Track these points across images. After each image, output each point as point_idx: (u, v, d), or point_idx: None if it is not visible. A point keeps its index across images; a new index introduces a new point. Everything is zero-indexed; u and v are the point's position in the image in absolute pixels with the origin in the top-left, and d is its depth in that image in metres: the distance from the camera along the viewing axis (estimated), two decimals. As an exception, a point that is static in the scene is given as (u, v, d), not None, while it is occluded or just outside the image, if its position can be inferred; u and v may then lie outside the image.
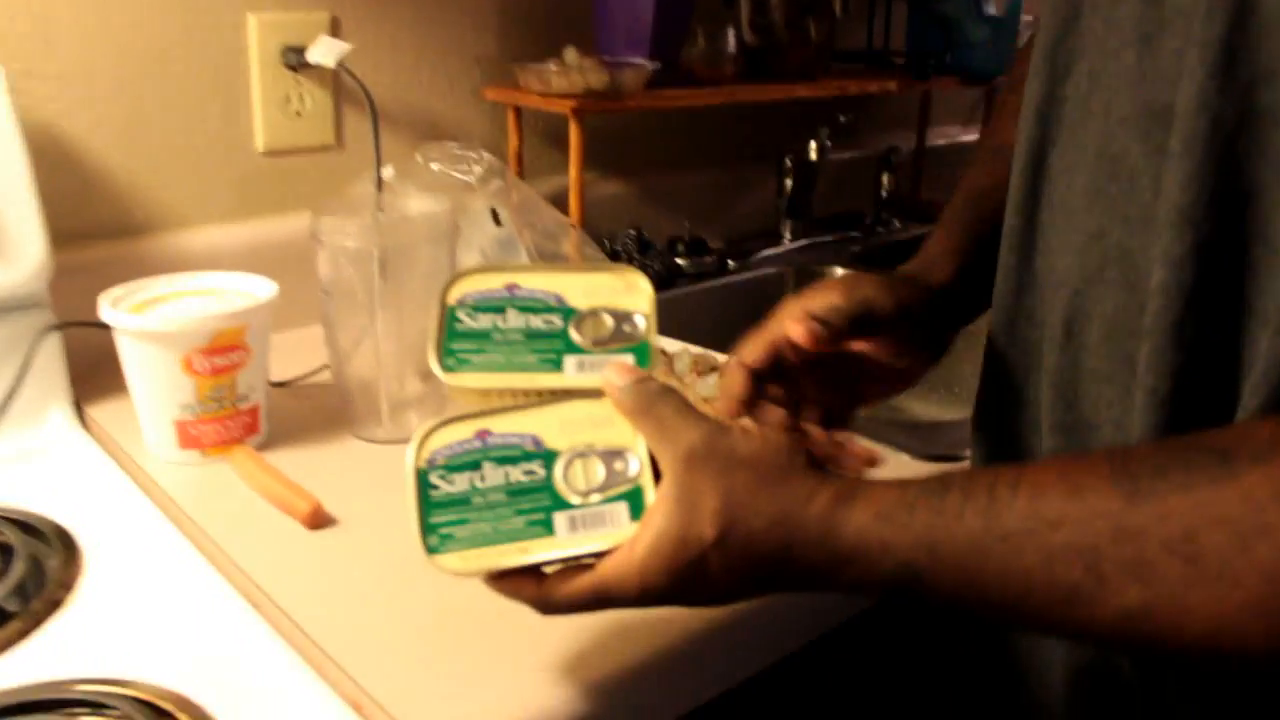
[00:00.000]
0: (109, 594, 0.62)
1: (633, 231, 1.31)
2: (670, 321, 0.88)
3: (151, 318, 0.75)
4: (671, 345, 1.03)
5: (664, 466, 0.45)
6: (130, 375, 0.78)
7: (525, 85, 1.16)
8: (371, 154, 0.93)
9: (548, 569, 0.47)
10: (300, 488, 0.71)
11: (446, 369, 0.50)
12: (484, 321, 0.52)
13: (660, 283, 1.24)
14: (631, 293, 0.53)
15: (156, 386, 0.77)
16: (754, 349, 0.56)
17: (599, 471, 0.46)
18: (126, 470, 0.78)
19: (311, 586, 0.64)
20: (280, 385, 0.93)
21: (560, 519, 0.45)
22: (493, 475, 0.46)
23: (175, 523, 0.71)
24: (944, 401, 1.27)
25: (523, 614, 0.48)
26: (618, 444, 0.47)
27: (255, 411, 0.80)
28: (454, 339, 0.51)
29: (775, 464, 0.43)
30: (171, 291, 0.82)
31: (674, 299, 1.27)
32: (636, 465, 0.46)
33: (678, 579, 0.43)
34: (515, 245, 1.07)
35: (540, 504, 0.46)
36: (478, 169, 1.03)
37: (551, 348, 0.51)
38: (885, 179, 1.63)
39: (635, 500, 0.46)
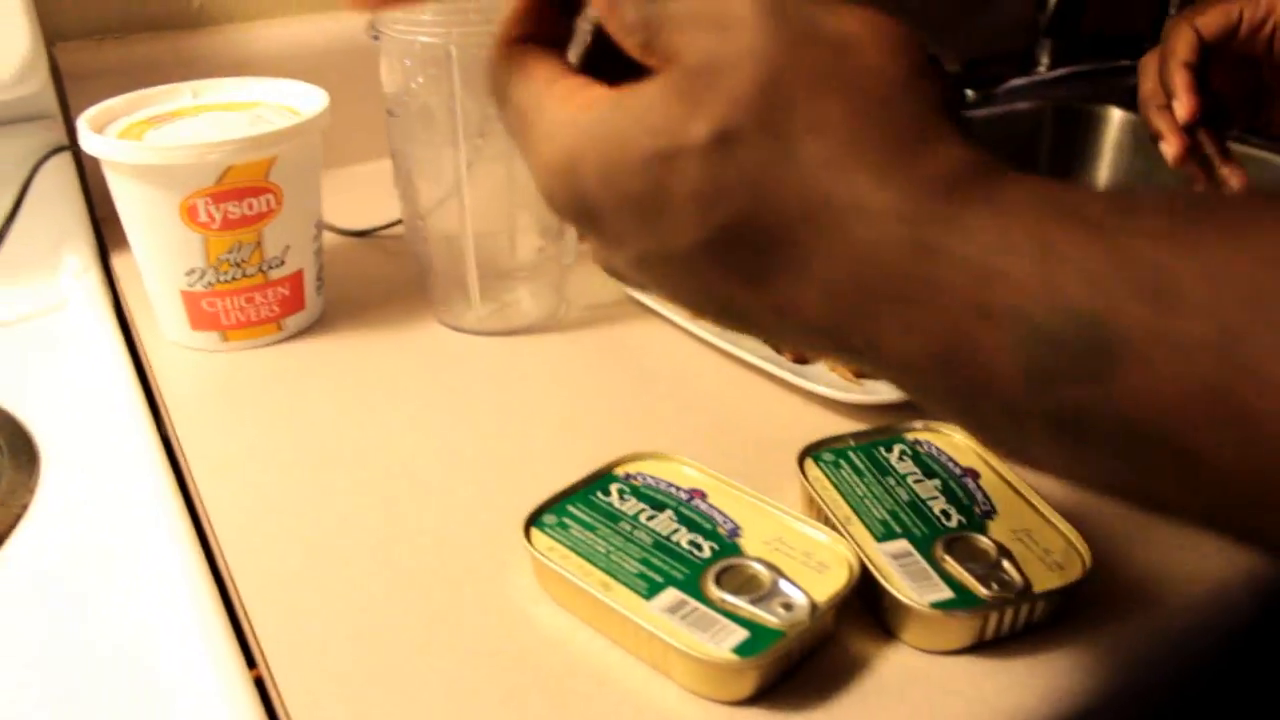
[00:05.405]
0: (56, 529, 0.42)
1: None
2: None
3: (133, 147, 0.52)
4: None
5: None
6: (127, 227, 0.56)
7: None
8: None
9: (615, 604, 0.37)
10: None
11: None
12: None
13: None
14: None
15: (155, 243, 0.55)
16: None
17: (753, 590, 0.37)
18: (133, 352, 0.57)
19: (289, 567, 0.41)
20: (359, 235, 0.70)
21: (669, 596, 0.37)
22: (663, 523, 0.40)
23: (160, 436, 0.49)
24: None
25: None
26: (801, 583, 0.37)
27: (297, 281, 0.57)
28: None
29: (888, 56, 0.26)
30: (189, 105, 0.58)
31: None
32: (791, 610, 0.36)
33: (617, 174, 0.26)
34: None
35: (670, 571, 0.38)
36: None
37: None
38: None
39: (757, 637, 0.35)
